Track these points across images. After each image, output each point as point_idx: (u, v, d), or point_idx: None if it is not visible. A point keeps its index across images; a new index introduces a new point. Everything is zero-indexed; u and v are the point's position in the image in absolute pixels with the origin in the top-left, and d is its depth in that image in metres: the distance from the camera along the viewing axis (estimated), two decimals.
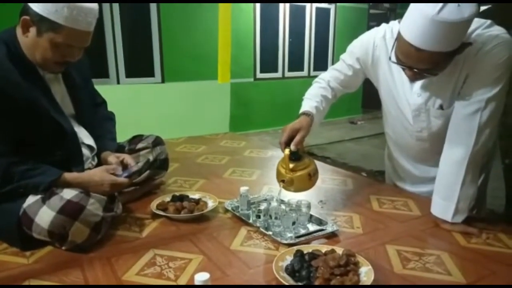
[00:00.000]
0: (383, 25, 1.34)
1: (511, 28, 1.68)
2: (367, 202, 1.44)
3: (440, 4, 0.97)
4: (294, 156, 1.22)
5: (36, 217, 1.02)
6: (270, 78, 6.24)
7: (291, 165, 1.21)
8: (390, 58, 1.17)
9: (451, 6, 0.98)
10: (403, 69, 1.19)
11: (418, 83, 1.26)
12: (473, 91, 1.14)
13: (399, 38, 1.10)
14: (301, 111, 1.36)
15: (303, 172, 1.23)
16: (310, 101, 1.39)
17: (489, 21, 1.13)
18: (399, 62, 1.14)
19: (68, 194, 1.04)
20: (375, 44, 1.33)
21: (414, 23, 1.03)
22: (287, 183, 1.23)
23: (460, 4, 0.98)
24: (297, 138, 1.22)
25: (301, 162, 1.23)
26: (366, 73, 1.44)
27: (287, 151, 1.21)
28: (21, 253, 1.06)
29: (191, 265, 1.00)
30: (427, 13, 0.99)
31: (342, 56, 1.47)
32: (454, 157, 1.18)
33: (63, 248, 1.06)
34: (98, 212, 1.06)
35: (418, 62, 1.09)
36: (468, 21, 1.01)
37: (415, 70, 1.12)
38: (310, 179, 1.25)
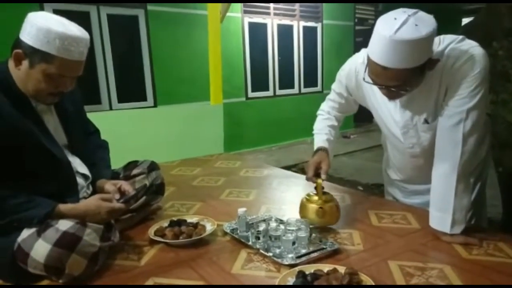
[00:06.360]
0: (363, 50, 1.40)
1: (493, 41, 1.73)
2: (366, 217, 1.44)
3: (397, 25, 1.04)
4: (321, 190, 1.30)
5: (31, 251, 0.99)
6: (261, 96, 6.29)
7: (323, 197, 1.28)
8: (364, 79, 1.22)
9: (408, 26, 1.04)
10: (379, 88, 1.22)
11: (400, 100, 1.30)
12: (453, 103, 1.17)
13: (368, 59, 1.15)
14: (315, 147, 1.47)
15: (332, 203, 1.30)
16: (320, 135, 1.51)
17: (461, 37, 1.18)
18: (372, 81, 1.19)
19: (64, 225, 1.03)
20: (357, 70, 1.40)
21: (377, 44, 1.09)
22: (319, 214, 1.27)
23: (417, 24, 1.04)
24: (324, 168, 1.34)
25: (327, 195, 1.31)
26: (355, 98, 1.51)
27: (319, 181, 1.29)
28: None
29: None
30: (385, 34, 1.05)
31: (333, 86, 1.56)
32: (444, 169, 1.20)
33: (60, 281, 1.03)
34: (95, 242, 1.04)
35: (387, 80, 1.14)
36: (427, 39, 1.06)
37: (390, 88, 1.17)
38: (338, 211, 1.32)
